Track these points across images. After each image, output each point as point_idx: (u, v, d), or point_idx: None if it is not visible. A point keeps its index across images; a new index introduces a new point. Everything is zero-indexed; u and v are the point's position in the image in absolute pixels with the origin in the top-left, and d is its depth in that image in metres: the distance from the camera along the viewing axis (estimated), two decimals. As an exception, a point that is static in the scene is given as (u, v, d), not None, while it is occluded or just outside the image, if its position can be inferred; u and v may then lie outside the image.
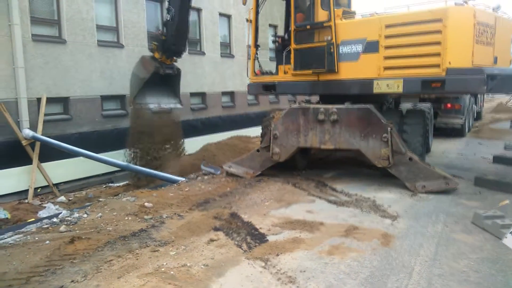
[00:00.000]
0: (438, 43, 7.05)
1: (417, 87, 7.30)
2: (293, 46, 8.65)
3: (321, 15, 8.30)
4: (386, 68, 7.57)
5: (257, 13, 9.63)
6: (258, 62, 9.86)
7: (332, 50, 8.06)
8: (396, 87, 7.45)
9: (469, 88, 7.19)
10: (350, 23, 8.08)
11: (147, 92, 11.64)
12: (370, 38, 7.67)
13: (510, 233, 2.98)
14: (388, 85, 7.51)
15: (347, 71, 8.03)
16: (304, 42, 8.51)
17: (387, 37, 7.50)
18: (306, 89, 8.94)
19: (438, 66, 7.06)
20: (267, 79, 9.48)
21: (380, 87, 7.61)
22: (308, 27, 8.41)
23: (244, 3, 9.67)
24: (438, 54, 7.07)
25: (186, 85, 15.19)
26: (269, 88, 9.36)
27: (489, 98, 33.75)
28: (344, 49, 8.03)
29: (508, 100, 27.46)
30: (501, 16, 7.97)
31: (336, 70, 8.12)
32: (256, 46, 9.80)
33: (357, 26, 7.98)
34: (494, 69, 7.19)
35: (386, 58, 7.55)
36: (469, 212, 6.08)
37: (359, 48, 7.82)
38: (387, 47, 7.52)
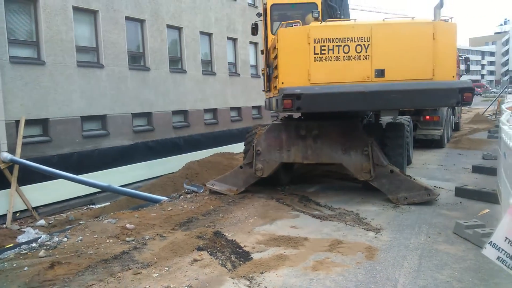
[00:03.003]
0: (277, 67, 7.37)
1: (276, 106, 7.55)
2: (264, 68, 9.25)
3: (269, 39, 8.79)
4: (274, 88, 7.98)
5: (266, 39, 9.94)
6: None
7: (263, 72, 8.75)
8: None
9: (278, 108, 7.21)
10: None
11: None
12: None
13: (488, 243, 3.02)
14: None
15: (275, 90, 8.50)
16: (266, 65, 9.10)
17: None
18: (271, 105, 9.53)
19: (275, 87, 7.38)
20: (267, 96, 10.11)
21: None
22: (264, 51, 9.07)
23: (255, 34, 10.08)
24: (276, 77, 7.42)
25: (168, 103, 15.19)
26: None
27: (467, 109, 34.56)
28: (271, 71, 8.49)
29: (484, 110, 28.16)
30: (402, 23, 7.47)
31: (266, 90, 8.78)
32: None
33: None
34: (297, 88, 7.03)
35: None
36: (450, 222, 6.15)
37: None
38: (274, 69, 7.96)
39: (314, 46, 7.03)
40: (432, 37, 6.99)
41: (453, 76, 7.08)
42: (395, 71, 7.07)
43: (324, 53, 7.04)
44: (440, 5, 7.50)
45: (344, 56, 7.05)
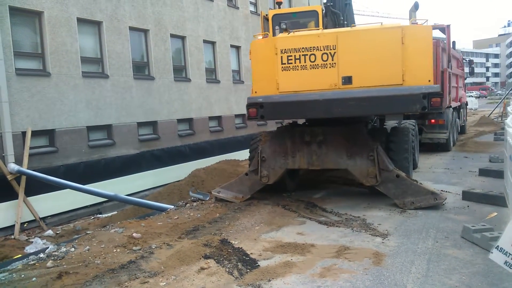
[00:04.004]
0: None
1: None
2: None
3: None
4: None
5: None
6: None
7: None
8: None
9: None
10: None
11: None
12: None
13: (495, 248, 3.00)
14: None
15: None
16: None
17: None
18: None
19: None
20: None
21: None
22: None
23: None
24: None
25: (173, 112, 15.26)
26: None
27: (473, 111, 34.41)
28: None
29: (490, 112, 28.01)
30: (368, 29, 7.42)
31: None
32: None
33: None
34: (259, 97, 7.49)
35: None
36: (458, 226, 6.11)
37: None
38: None
39: (281, 57, 7.34)
40: (401, 42, 6.98)
41: (429, 81, 6.98)
42: (363, 78, 7.14)
43: (291, 63, 7.31)
44: (415, 7, 7.48)
45: (311, 65, 7.25)
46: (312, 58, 7.22)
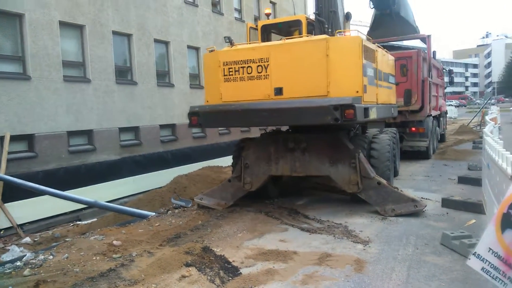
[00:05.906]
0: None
1: None
2: None
3: None
4: None
5: None
6: None
7: None
8: None
9: None
10: None
11: None
12: None
13: (472, 254, 3.05)
14: None
15: None
16: None
17: None
18: None
19: None
20: None
21: None
22: None
23: None
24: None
25: (156, 117, 15.14)
26: None
27: (452, 120, 35.09)
28: None
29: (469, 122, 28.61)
30: (296, 42, 7.58)
31: None
32: None
33: None
34: (197, 106, 8.04)
35: None
36: (438, 233, 6.21)
37: None
38: None
39: (224, 68, 7.81)
40: (325, 54, 7.14)
41: (357, 92, 7.07)
42: (292, 89, 7.42)
43: (232, 74, 7.77)
44: (346, 18, 7.68)
45: (248, 76, 7.68)
46: (249, 70, 7.63)
